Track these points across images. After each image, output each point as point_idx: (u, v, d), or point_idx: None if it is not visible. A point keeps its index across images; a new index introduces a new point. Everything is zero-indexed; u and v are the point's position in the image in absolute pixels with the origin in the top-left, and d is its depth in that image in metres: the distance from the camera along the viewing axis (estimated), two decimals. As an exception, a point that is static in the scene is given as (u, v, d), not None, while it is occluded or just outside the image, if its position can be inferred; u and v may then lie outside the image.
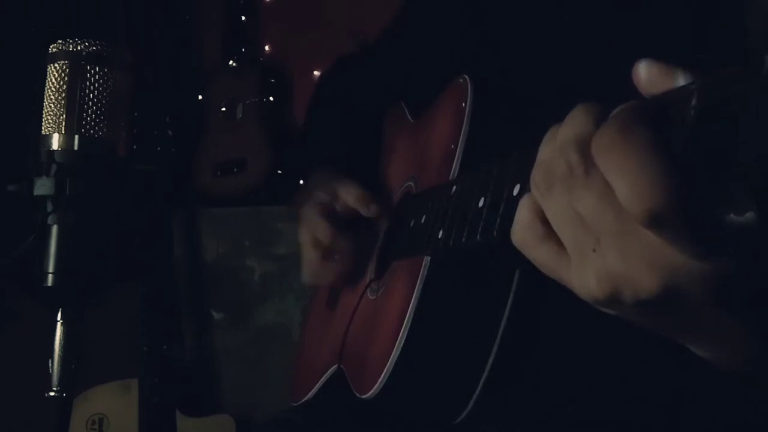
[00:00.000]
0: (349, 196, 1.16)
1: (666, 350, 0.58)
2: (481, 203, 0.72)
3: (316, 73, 2.49)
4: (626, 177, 0.43)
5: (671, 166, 0.42)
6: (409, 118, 1.21)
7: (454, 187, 0.82)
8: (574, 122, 0.49)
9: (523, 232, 0.53)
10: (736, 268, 0.45)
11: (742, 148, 0.39)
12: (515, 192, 0.65)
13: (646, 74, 0.47)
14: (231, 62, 2.58)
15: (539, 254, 0.53)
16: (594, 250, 0.48)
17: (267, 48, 2.68)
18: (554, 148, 0.50)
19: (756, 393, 0.60)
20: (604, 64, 0.80)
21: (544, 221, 0.52)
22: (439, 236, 0.83)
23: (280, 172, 2.42)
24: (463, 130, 0.92)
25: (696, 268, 0.44)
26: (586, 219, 0.48)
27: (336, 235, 1.15)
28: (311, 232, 1.17)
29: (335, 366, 1.14)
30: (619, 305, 0.49)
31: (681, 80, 0.46)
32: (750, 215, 0.39)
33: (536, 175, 0.51)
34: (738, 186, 0.40)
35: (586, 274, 0.49)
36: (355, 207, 1.15)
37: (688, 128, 0.42)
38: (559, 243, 0.51)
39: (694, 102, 0.42)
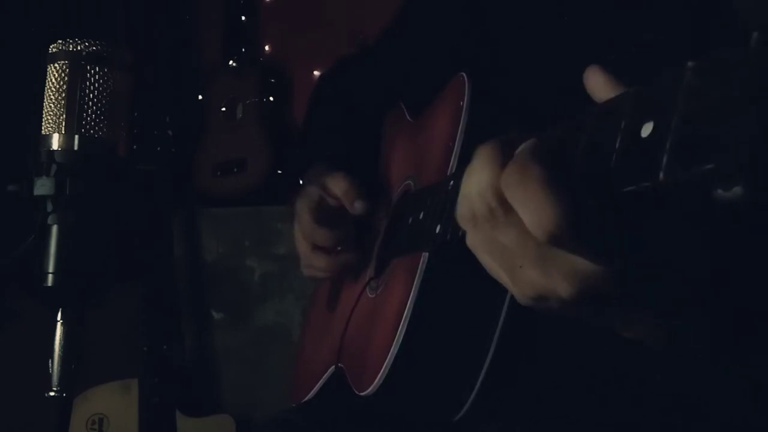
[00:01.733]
0: (337, 189, 1.16)
1: (666, 352, 0.59)
2: None
3: (316, 73, 2.49)
4: (527, 209, 0.51)
5: (561, 195, 0.50)
6: (408, 117, 1.21)
7: (451, 182, 0.82)
8: (485, 169, 0.57)
9: (471, 241, 0.61)
10: (627, 266, 0.53)
11: (734, 128, 0.41)
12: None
13: (592, 81, 0.56)
14: (231, 62, 2.58)
15: (484, 263, 0.61)
16: (521, 267, 0.56)
17: (267, 48, 2.68)
18: (474, 191, 0.58)
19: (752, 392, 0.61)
20: (602, 64, 0.80)
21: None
22: (437, 231, 0.83)
23: (280, 172, 2.42)
24: (460, 127, 0.92)
25: (600, 271, 0.53)
26: (509, 248, 0.56)
27: (319, 229, 1.17)
28: (299, 227, 1.19)
29: (335, 365, 1.14)
30: (547, 307, 0.57)
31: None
32: (738, 190, 0.42)
33: (462, 210, 0.60)
34: (728, 163, 0.41)
35: (516, 286, 0.58)
36: (342, 201, 1.16)
37: (577, 158, 0.50)
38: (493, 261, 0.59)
39: (583, 137, 0.50)
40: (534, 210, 0.51)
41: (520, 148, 0.55)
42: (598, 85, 0.56)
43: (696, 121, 0.42)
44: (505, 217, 0.56)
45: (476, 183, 0.58)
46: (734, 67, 0.41)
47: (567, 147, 0.53)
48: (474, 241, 0.60)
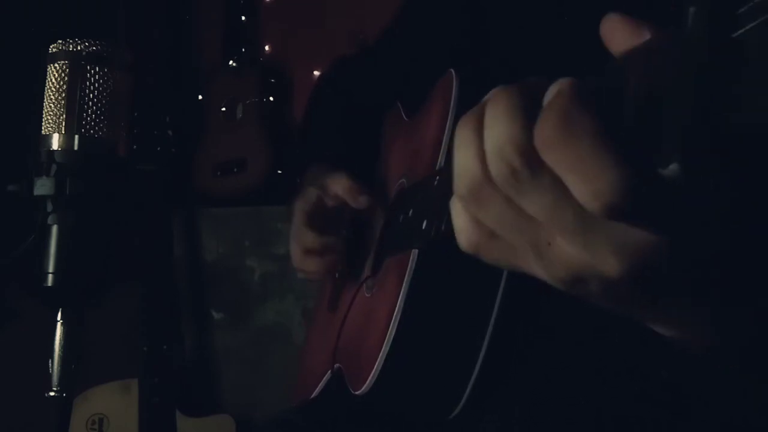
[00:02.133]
0: (338, 187, 1.17)
1: (666, 348, 0.58)
2: None
3: (316, 73, 2.49)
4: (577, 173, 0.41)
5: (619, 153, 0.40)
6: (404, 117, 1.21)
7: (437, 178, 0.83)
8: (505, 118, 0.45)
9: (468, 239, 0.50)
10: (694, 239, 0.44)
11: (676, 107, 0.39)
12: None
13: (610, 30, 0.46)
14: (231, 62, 2.58)
15: (494, 255, 0.50)
16: (549, 244, 0.46)
17: (267, 48, 2.68)
18: (475, 155, 0.47)
19: (754, 392, 0.60)
20: (601, 64, 0.80)
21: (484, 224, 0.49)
22: (423, 227, 0.83)
23: (280, 172, 2.42)
24: (448, 122, 0.93)
25: (659, 244, 0.44)
26: (539, 218, 0.45)
27: (308, 232, 1.18)
28: (292, 228, 1.21)
29: (333, 366, 1.14)
30: (586, 289, 0.47)
31: (647, 35, 0.44)
32: (674, 167, 0.39)
33: (460, 186, 0.48)
34: (664, 140, 0.40)
35: (545, 266, 0.47)
36: (345, 198, 1.16)
37: (625, 105, 0.41)
38: (510, 241, 0.49)
39: (627, 75, 0.42)
40: (589, 175, 0.41)
41: (552, 92, 0.44)
42: (617, 32, 0.45)
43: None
44: (532, 179, 0.44)
45: (493, 138, 0.45)
46: (671, 46, 0.40)
47: (611, 94, 0.43)
48: (482, 221, 0.48)
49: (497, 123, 0.45)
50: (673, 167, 0.39)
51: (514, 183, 0.45)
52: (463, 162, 0.48)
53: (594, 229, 0.44)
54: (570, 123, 0.41)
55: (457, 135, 0.49)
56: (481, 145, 0.47)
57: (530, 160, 0.44)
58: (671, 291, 0.48)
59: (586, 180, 0.41)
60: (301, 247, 1.21)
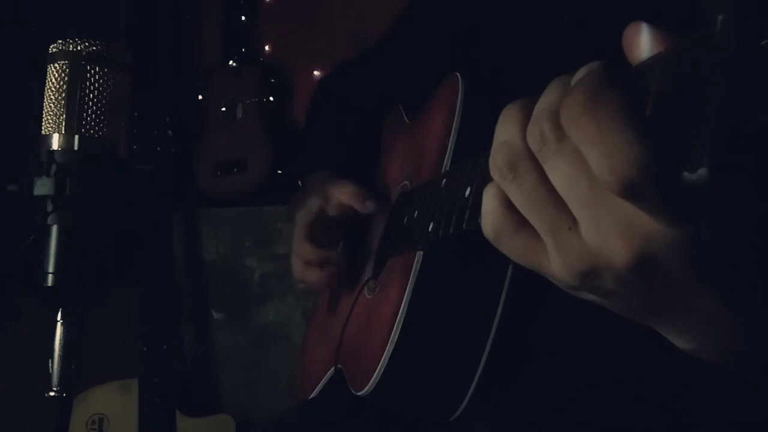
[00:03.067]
0: (343, 195, 1.17)
1: (665, 351, 0.58)
2: (467, 192, 0.72)
3: (316, 73, 2.49)
4: (598, 146, 0.42)
5: (643, 133, 0.41)
6: (406, 119, 1.21)
7: (444, 180, 0.83)
8: (547, 94, 0.47)
9: (493, 223, 0.51)
10: (713, 235, 0.44)
11: (698, 110, 0.39)
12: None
13: (634, 36, 0.46)
14: (231, 62, 2.58)
15: (514, 244, 0.51)
16: (569, 228, 0.46)
17: (267, 48, 2.68)
18: (516, 127, 0.49)
19: (752, 392, 0.60)
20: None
21: (513, 208, 0.50)
22: (430, 229, 0.83)
23: (280, 172, 2.42)
24: (454, 126, 0.93)
25: (671, 235, 0.43)
26: (560, 190, 0.46)
27: (307, 246, 1.21)
28: (295, 246, 1.23)
29: (334, 367, 1.14)
30: (598, 287, 0.48)
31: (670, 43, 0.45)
32: (702, 171, 0.39)
33: (498, 158, 0.49)
34: (691, 144, 0.40)
35: (562, 257, 0.48)
36: (351, 204, 1.16)
37: (655, 93, 0.42)
38: (533, 230, 0.49)
39: (658, 70, 0.42)
40: (608, 149, 0.41)
41: (582, 71, 0.45)
42: (643, 41, 0.45)
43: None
44: (557, 145, 0.45)
45: (536, 108, 0.47)
46: (700, 52, 0.40)
47: (645, 77, 0.43)
48: (513, 198, 0.49)
49: (543, 96, 0.47)
50: (702, 171, 0.39)
51: (542, 149, 0.46)
52: (506, 132, 0.49)
53: (605, 206, 0.44)
54: (596, 97, 0.42)
55: (504, 111, 0.51)
56: (524, 119, 0.48)
57: (557, 129, 0.45)
58: (684, 286, 0.47)
59: (606, 153, 0.41)
60: (302, 259, 1.23)
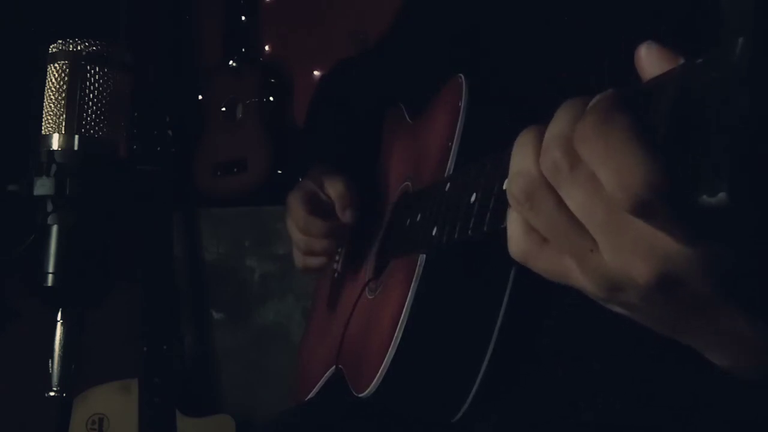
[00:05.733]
0: (332, 191, 1.17)
1: (670, 353, 0.57)
2: (472, 199, 0.72)
3: (316, 73, 2.49)
4: (609, 165, 0.42)
5: (654, 151, 0.41)
6: (408, 119, 1.21)
7: (448, 184, 0.82)
8: (556, 122, 0.48)
9: (519, 246, 0.53)
10: (735, 253, 0.44)
11: (716, 133, 0.39)
12: (505, 186, 0.64)
13: (646, 56, 0.47)
14: (231, 62, 2.58)
15: (541, 264, 0.52)
16: (591, 251, 0.47)
17: (267, 48, 2.68)
18: (530, 156, 0.50)
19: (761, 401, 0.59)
20: (600, 63, 0.80)
21: (536, 231, 0.51)
22: (433, 233, 0.83)
23: (280, 172, 2.42)
24: (458, 128, 0.92)
25: (691, 254, 0.44)
26: (578, 215, 0.47)
27: (313, 219, 1.17)
28: (292, 217, 1.20)
29: (334, 366, 1.14)
30: (625, 302, 0.49)
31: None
32: (722, 196, 0.39)
33: (514, 188, 0.51)
34: (710, 167, 0.40)
35: (586, 275, 0.49)
36: (334, 203, 1.17)
37: (667, 114, 0.42)
38: (558, 248, 0.51)
39: (671, 89, 0.43)
40: (619, 168, 0.42)
41: (597, 98, 0.46)
42: (652, 59, 0.46)
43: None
44: (570, 173, 0.46)
45: (546, 136, 0.48)
46: (720, 71, 0.40)
47: (657, 97, 0.44)
48: (533, 224, 0.50)
49: (550, 127, 0.48)
50: (722, 196, 0.39)
51: (555, 177, 0.47)
52: (520, 161, 0.51)
53: (623, 228, 0.45)
54: (607, 118, 0.43)
55: (517, 140, 0.52)
56: (537, 147, 0.50)
57: (569, 156, 0.46)
58: (710, 304, 0.47)
59: (616, 171, 0.42)
60: (306, 234, 1.20)
